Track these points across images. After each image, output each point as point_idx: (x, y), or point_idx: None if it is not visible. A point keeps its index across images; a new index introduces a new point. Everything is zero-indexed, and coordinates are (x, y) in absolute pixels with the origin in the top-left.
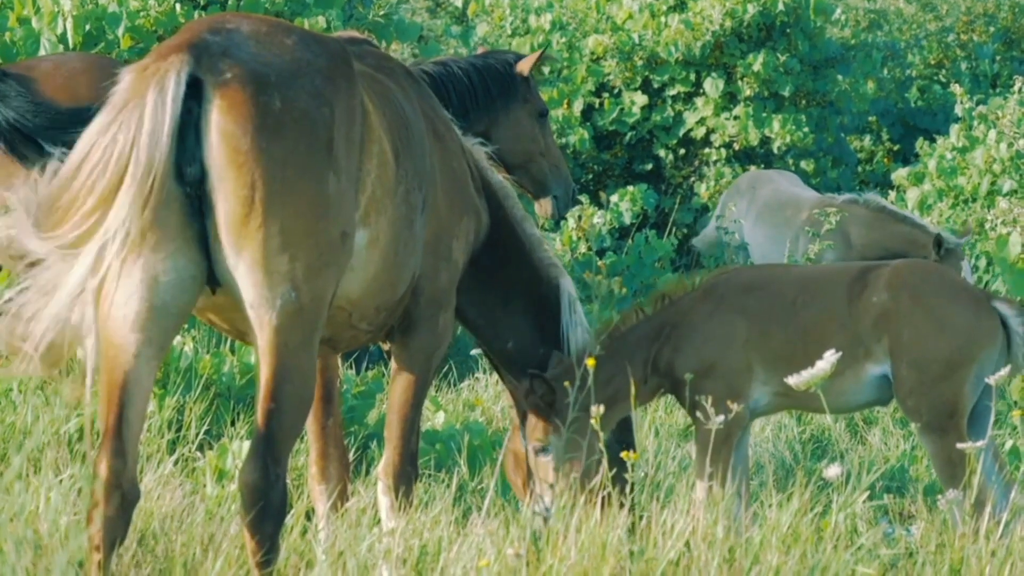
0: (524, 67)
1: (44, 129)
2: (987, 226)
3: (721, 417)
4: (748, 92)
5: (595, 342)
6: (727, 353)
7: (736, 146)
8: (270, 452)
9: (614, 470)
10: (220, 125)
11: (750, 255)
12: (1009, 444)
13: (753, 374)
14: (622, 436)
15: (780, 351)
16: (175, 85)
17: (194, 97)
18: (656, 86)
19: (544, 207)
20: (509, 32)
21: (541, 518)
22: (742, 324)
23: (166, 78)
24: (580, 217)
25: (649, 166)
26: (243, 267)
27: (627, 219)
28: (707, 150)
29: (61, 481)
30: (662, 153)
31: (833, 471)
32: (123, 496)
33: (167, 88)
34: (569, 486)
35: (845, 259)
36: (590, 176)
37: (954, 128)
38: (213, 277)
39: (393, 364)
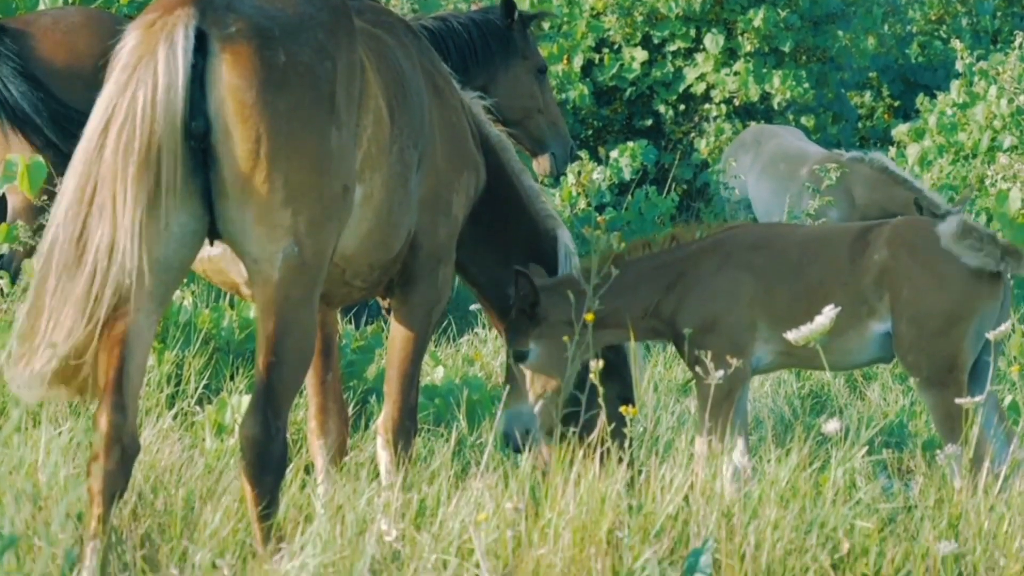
0: (528, 22)
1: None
2: (987, 182)
3: (721, 372)
4: (748, 48)
5: (599, 268)
6: (732, 309)
7: (736, 102)
8: (270, 406)
9: (613, 424)
10: (225, 79)
11: (753, 209)
12: (1008, 400)
13: (756, 331)
14: (623, 391)
15: (784, 309)
16: (184, 39)
17: (199, 51)
18: (656, 42)
19: (542, 164)
20: None
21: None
22: (748, 281)
23: (175, 32)
24: (579, 173)
25: (649, 122)
26: (246, 221)
27: (627, 175)
28: (707, 106)
29: (60, 434)
30: (662, 109)
31: (832, 426)
32: (123, 450)
33: (177, 42)
34: (544, 395)
35: (848, 218)
36: (590, 132)
37: (954, 84)
38: (214, 230)
39: (392, 319)
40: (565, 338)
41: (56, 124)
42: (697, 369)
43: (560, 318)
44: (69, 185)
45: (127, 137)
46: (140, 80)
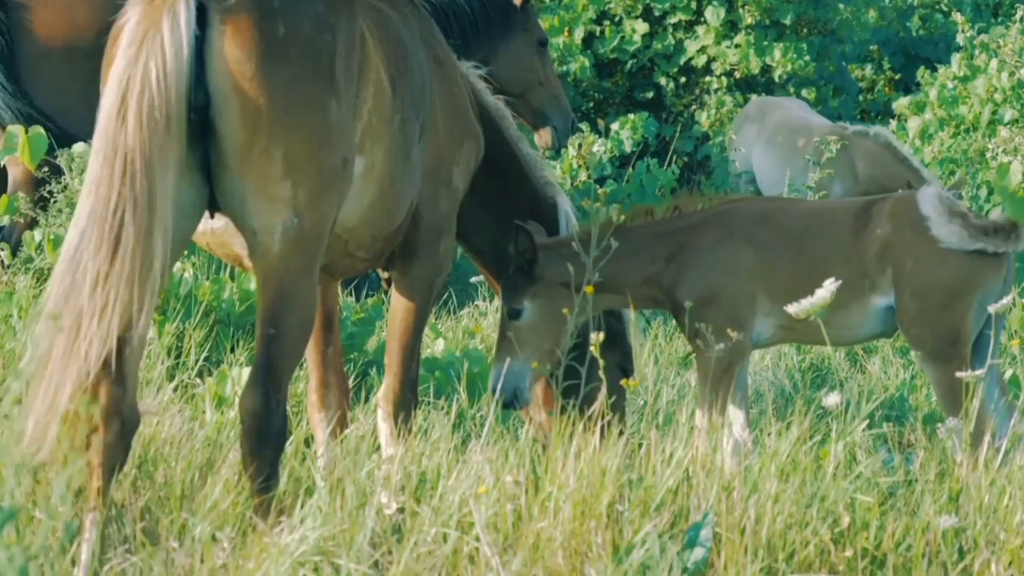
0: None
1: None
2: (988, 155)
3: (721, 345)
4: (749, 20)
5: (601, 233)
6: (732, 282)
7: (737, 74)
8: (270, 378)
9: (613, 397)
10: (225, 51)
11: (757, 181)
12: (1009, 373)
13: (757, 305)
14: (622, 362)
15: (786, 283)
16: (186, 11)
17: (199, 23)
18: (657, 14)
19: (543, 137)
20: None
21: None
22: (749, 254)
23: (176, 5)
24: (580, 145)
25: (650, 94)
26: (246, 193)
27: (628, 147)
28: (708, 78)
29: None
30: (663, 81)
31: (832, 400)
32: (123, 422)
33: (179, 14)
34: (535, 353)
35: (851, 192)
36: (591, 104)
37: (955, 57)
38: (213, 202)
39: (393, 291)
40: (565, 310)
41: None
42: (697, 342)
43: (556, 278)
44: (95, 164)
45: (148, 107)
46: (150, 52)
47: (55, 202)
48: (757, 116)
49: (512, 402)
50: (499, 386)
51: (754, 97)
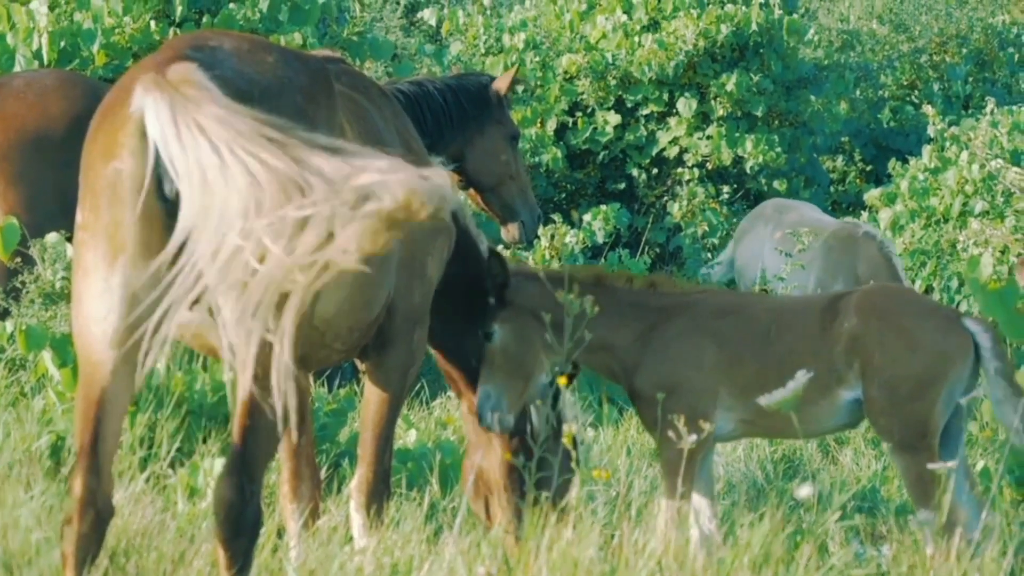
0: (501, 85)
1: None
2: (959, 247)
3: (694, 437)
4: (721, 112)
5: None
6: (693, 376)
7: (709, 166)
8: (245, 470)
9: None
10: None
11: (766, 277)
12: (980, 465)
13: (718, 399)
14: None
15: (750, 378)
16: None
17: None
18: (629, 105)
19: (512, 232)
20: (483, 51)
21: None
22: (711, 348)
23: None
24: (553, 236)
25: (622, 185)
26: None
27: (600, 238)
28: (680, 169)
29: (32, 498)
30: (635, 172)
31: (805, 491)
32: (97, 513)
33: (148, 95)
34: (513, 378)
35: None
36: (563, 195)
37: (926, 149)
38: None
39: (367, 381)
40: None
41: None
42: (657, 432)
43: (525, 304)
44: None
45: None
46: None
47: (27, 293)
48: (773, 216)
49: (492, 426)
50: (481, 409)
51: (724, 188)
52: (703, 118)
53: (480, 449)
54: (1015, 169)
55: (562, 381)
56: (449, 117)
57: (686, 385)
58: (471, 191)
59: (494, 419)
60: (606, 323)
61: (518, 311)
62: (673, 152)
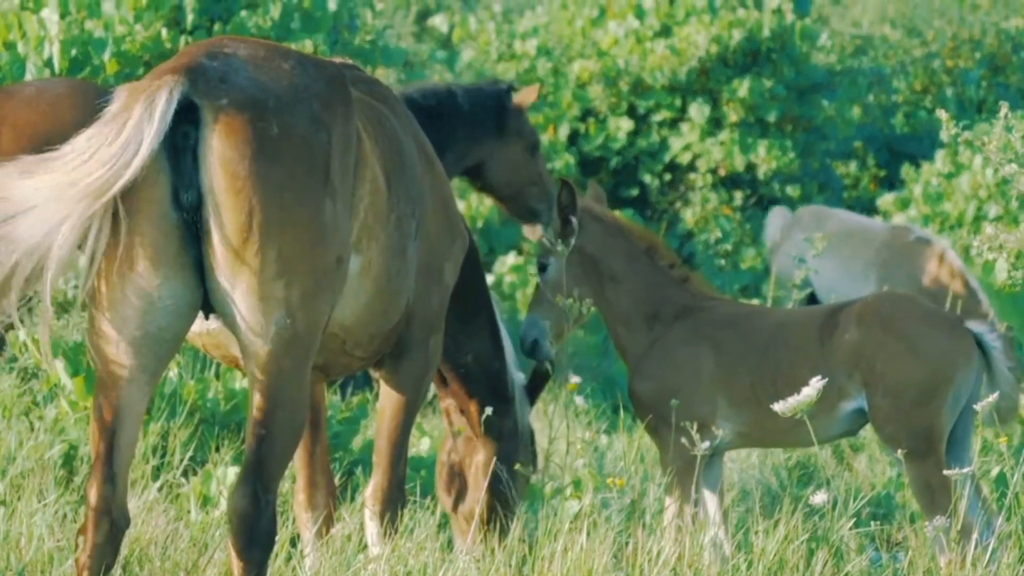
0: (524, 101)
1: None
2: (973, 252)
3: (706, 444)
4: (734, 118)
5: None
6: (691, 384)
7: (722, 172)
8: (260, 479)
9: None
10: (218, 151)
11: (815, 290)
12: (995, 471)
13: (717, 407)
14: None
15: (747, 390)
16: (165, 102)
17: (191, 122)
18: (642, 111)
19: (536, 232)
20: (495, 57)
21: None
22: (709, 357)
23: (157, 94)
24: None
25: (635, 192)
26: (238, 293)
27: None
28: (692, 176)
29: (45, 507)
30: (647, 179)
31: (819, 498)
32: (112, 523)
33: (156, 103)
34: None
35: None
36: None
37: (940, 154)
38: (207, 303)
39: (382, 389)
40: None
41: None
42: (656, 438)
43: (583, 245)
44: None
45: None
46: (101, 133)
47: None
48: (811, 224)
49: (532, 352)
50: (525, 337)
51: (737, 193)
52: (715, 124)
53: (453, 441)
54: None
55: (571, 388)
56: (472, 128)
57: (683, 392)
58: (493, 197)
59: (535, 347)
60: (632, 290)
61: (575, 250)
62: (686, 158)
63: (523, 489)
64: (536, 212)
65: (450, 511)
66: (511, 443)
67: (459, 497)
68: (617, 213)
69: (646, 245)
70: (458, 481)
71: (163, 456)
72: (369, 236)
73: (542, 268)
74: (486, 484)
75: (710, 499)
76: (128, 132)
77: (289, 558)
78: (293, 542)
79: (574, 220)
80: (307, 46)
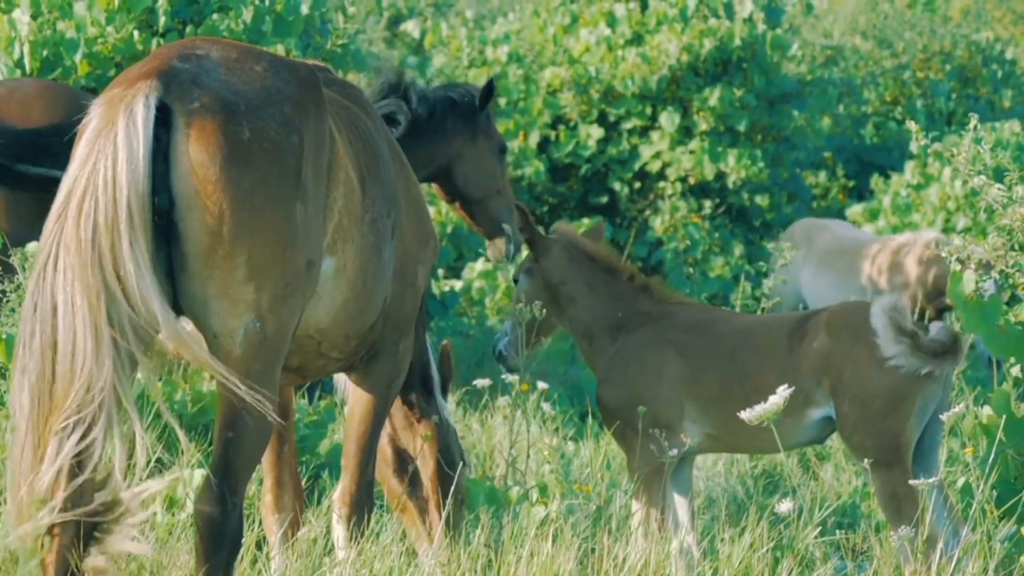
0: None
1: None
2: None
3: (674, 450)
4: (704, 126)
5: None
6: (655, 387)
7: (691, 180)
8: (227, 482)
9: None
10: (189, 154)
11: (809, 304)
12: (961, 481)
13: (684, 411)
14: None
15: (714, 394)
16: (144, 109)
17: (163, 125)
18: (612, 119)
19: (498, 246)
20: (466, 63)
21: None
22: (675, 361)
23: (135, 103)
24: None
25: (604, 199)
26: (208, 296)
27: None
28: (662, 184)
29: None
30: (617, 186)
31: (785, 506)
32: (79, 525)
33: (136, 113)
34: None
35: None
36: (545, 208)
37: (909, 165)
38: (177, 305)
39: (352, 392)
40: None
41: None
42: (623, 443)
43: (546, 267)
44: (37, 265)
45: (88, 208)
46: (100, 152)
47: (7, 301)
48: (803, 239)
49: (501, 358)
50: (497, 340)
51: (706, 203)
52: (686, 132)
53: (393, 428)
54: (998, 186)
55: (524, 388)
56: (443, 128)
57: (649, 396)
58: (456, 205)
59: (503, 355)
60: (591, 307)
61: (538, 272)
62: (655, 166)
63: (463, 485)
64: (499, 224)
65: (403, 498)
66: (444, 432)
67: (412, 482)
68: (586, 221)
69: (605, 263)
70: (410, 466)
71: (129, 458)
72: (344, 238)
73: (515, 280)
74: (434, 466)
75: (680, 504)
76: (123, 152)
77: (255, 561)
78: (259, 545)
79: (523, 241)
80: (279, 50)
